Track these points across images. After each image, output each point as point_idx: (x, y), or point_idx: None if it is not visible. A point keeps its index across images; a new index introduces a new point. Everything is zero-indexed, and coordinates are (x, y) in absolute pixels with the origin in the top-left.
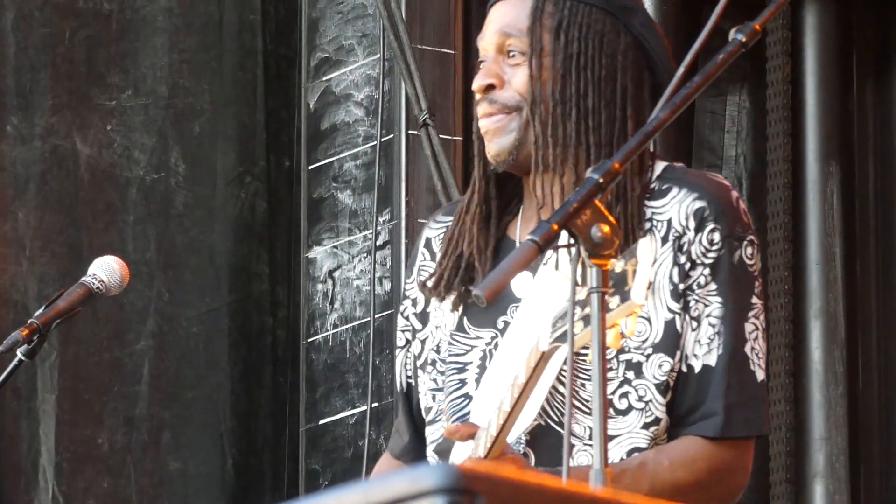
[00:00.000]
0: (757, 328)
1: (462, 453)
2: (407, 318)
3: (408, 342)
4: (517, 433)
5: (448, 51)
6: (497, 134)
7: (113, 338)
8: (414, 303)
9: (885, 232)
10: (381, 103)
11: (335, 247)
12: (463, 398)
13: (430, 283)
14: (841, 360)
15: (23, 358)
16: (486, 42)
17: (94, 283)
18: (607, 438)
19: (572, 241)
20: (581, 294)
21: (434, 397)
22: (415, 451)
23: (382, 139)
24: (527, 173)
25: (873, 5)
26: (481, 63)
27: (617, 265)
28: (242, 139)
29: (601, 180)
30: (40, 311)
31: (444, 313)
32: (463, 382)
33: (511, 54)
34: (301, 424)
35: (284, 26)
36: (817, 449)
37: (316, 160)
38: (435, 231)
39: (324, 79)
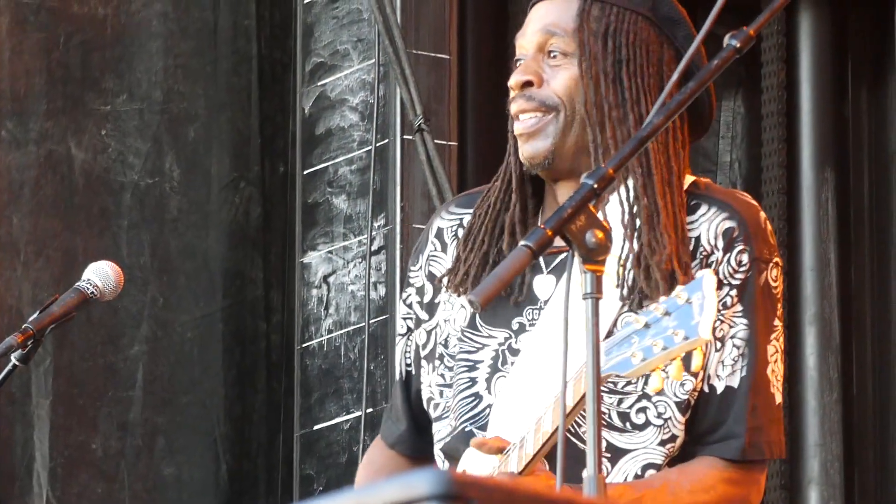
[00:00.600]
0: (777, 350)
1: (474, 461)
2: (410, 306)
3: (409, 330)
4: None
5: (443, 56)
6: (534, 137)
7: (107, 343)
8: (419, 292)
9: (879, 238)
10: (376, 108)
11: (330, 252)
12: (473, 398)
13: (454, 279)
14: (835, 366)
15: (17, 363)
16: (527, 40)
17: (88, 288)
18: (601, 447)
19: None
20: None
21: (442, 393)
22: (411, 442)
23: (377, 144)
24: (555, 178)
25: (868, 10)
26: (518, 62)
27: (681, 296)
28: (237, 144)
29: (595, 186)
30: (35, 315)
31: (453, 307)
32: (473, 381)
33: (553, 54)
34: (295, 430)
35: (279, 31)
36: (812, 455)
37: (311, 165)
38: (447, 222)
39: (318, 84)
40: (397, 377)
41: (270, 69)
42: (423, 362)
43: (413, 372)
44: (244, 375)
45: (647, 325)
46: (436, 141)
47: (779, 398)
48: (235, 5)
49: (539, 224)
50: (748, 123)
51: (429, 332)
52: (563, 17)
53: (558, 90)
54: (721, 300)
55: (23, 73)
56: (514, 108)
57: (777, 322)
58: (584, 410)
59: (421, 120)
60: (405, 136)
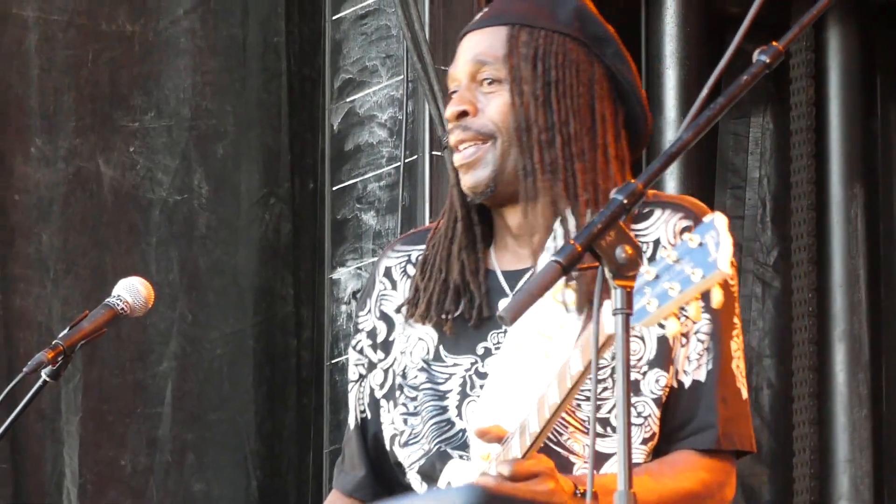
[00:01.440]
0: (739, 347)
1: (457, 473)
2: (361, 352)
3: (361, 376)
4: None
5: None
6: (474, 167)
7: (136, 359)
8: (370, 334)
9: None
10: (405, 124)
11: (359, 268)
12: (445, 423)
13: (415, 309)
14: (865, 382)
15: (47, 379)
16: (459, 71)
17: (118, 305)
18: (631, 461)
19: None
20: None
21: (406, 421)
22: (371, 488)
23: (406, 160)
24: (500, 204)
25: None
26: (453, 93)
27: (693, 239)
28: (266, 161)
29: (625, 201)
30: (64, 332)
31: (409, 340)
32: (444, 409)
33: (485, 82)
34: (325, 446)
35: (308, 48)
36: (842, 471)
37: (340, 181)
38: (395, 260)
39: (347, 100)
40: (352, 425)
41: (299, 86)
42: (382, 402)
43: (369, 416)
44: (274, 392)
45: (657, 277)
46: None
47: (745, 393)
48: (264, 22)
49: (491, 251)
50: (777, 139)
51: (385, 371)
52: (493, 45)
53: (493, 117)
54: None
55: (52, 91)
56: (451, 139)
57: (736, 320)
58: (565, 414)
59: None
60: (434, 152)
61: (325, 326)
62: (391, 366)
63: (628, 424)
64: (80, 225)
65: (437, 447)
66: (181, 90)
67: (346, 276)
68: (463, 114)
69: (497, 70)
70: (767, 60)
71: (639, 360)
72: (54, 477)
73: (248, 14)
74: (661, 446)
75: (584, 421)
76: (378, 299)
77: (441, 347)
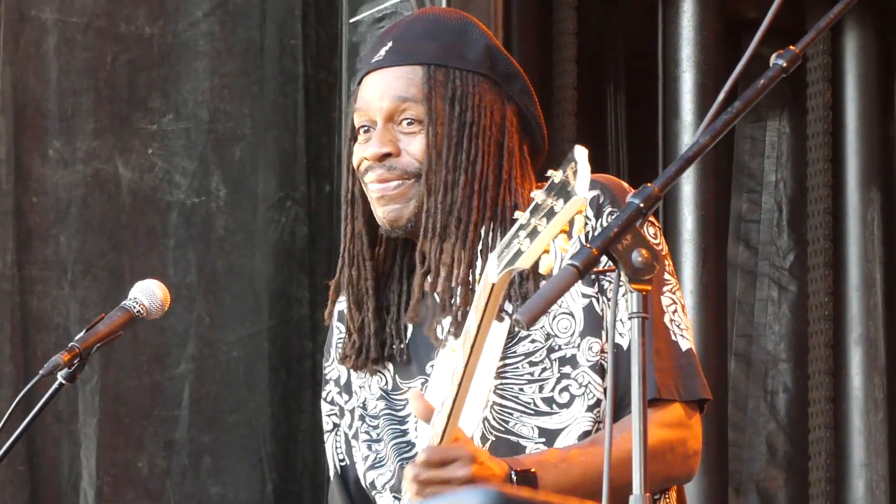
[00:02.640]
0: (675, 302)
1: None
2: (332, 402)
3: (335, 426)
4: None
5: None
6: (397, 200)
7: (153, 361)
8: (337, 382)
9: None
10: None
11: None
12: (406, 444)
13: (353, 361)
14: (881, 386)
15: (64, 381)
16: (373, 108)
17: (135, 307)
18: (647, 463)
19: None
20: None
21: (370, 447)
22: None
23: None
24: (415, 236)
25: None
26: (362, 129)
27: (556, 175)
28: (283, 164)
29: (642, 205)
30: (81, 334)
31: (366, 375)
32: (404, 432)
33: (407, 122)
34: None
35: (325, 51)
36: (857, 475)
37: None
38: (345, 304)
39: None
40: (332, 474)
41: (316, 89)
42: (353, 442)
43: (347, 462)
44: (290, 395)
45: (528, 219)
46: None
47: (686, 345)
48: (282, 25)
49: (396, 281)
50: (793, 143)
51: (351, 412)
52: (412, 84)
53: (418, 157)
54: (605, 263)
55: (70, 93)
56: (372, 177)
57: (668, 276)
58: (506, 407)
59: None
60: None
61: None
62: (354, 406)
63: (645, 427)
64: (97, 227)
65: (399, 465)
66: (199, 92)
67: None
68: (387, 155)
69: (418, 110)
70: (784, 64)
71: (571, 334)
72: (71, 479)
73: (265, 17)
74: (622, 414)
75: (528, 403)
76: (337, 346)
77: (397, 377)
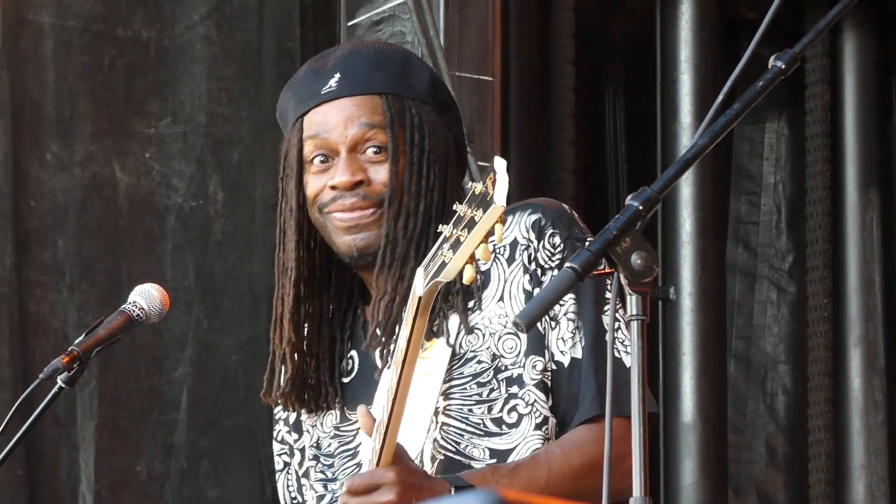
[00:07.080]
0: (617, 320)
1: None
2: (282, 441)
3: (286, 464)
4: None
5: (486, 78)
6: (368, 228)
7: (151, 365)
8: (286, 421)
9: None
10: None
11: None
12: (356, 467)
13: (298, 405)
14: (880, 388)
15: (63, 385)
16: (335, 137)
17: (134, 311)
18: (648, 470)
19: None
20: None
21: (326, 486)
22: None
23: None
24: (371, 265)
25: None
26: (317, 158)
27: (477, 187)
28: None
29: (640, 207)
30: (80, 338)
31: (318, 413)
32: (359, 465)
33: (374, 150)
34: None
35: None
36: (857, 477)
37: None
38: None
39: None
40: None
41: None
42: (304, 481)
43: (299, 501)
44: None
45: (451, 231)
46: (479, 163)
47: (628, 361)
48: (279, 28)
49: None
50: (792, 145)
51: (301, 451)
52: (375, 113)
53: (385, 184)
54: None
55: (67, 96)
56: (342, 205)
57: (608, 295)
58: (453, 426)
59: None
60: None
61: None
62: (304, 445)
63: (646, 439)
64: (95, 231)
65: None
66: (196, 96)
67: None
68: (359, 183)
69: (382, 138)
70: (783, 66)
71: (517, 354)
72: (70, 483)
73: (263, 20)
74: (562, 432)
75: (477, 424)
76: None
77: (345, 409)
